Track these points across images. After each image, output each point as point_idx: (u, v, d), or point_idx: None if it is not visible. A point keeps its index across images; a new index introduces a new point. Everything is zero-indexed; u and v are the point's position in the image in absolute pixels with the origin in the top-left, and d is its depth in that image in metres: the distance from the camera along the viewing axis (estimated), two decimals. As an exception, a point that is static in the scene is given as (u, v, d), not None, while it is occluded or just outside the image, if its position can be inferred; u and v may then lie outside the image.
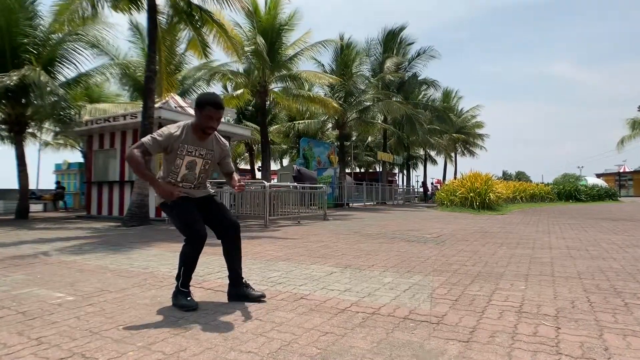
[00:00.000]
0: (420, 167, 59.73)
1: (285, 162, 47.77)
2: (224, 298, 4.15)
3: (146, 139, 3.78)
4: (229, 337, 3.07)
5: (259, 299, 4.05)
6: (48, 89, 14.67)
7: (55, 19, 15.74)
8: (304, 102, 24.29)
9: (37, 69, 15.08)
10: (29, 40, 16.91)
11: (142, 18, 19.40)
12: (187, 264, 3.88)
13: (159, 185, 3.71)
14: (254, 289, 4.16)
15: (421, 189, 49.32)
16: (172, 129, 3.86)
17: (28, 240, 9.18)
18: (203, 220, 3.97)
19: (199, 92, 25.09)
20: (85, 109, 18.97)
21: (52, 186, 27.05)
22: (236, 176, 4.19)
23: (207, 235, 3.88)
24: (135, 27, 23.21)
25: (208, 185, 4.23)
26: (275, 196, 14.48)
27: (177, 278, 3.91)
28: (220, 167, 4.25)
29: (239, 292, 4.09)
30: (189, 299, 3.85)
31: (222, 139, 4.22)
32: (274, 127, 34.41)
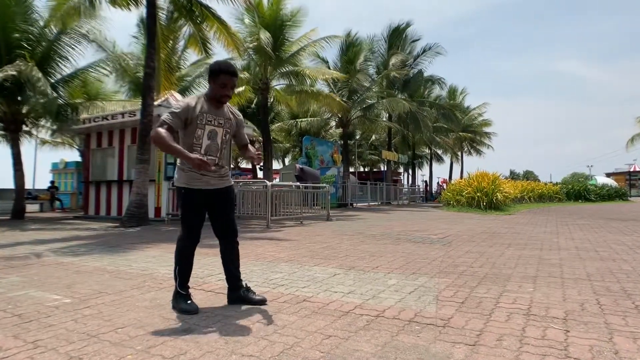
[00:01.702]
0: (426, 166, 59.75)
1: (288, 161, 47.82)
2: (224, 300, 4.15)
3: (165, 115, 3.80)
4: (229, 340, 3.07)
5: (259, 303, 4.05)
6: (40, 84, 14.66)
7: (51, 15, 15.75)
8: (307, 98, 24.28)
9: (30, 64, 15.09)
10: (23, 36, 16.92)
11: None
12: (182, 262, 3.92)
13: (189, 157, 3.60)
14: (254, 293, 4.15)
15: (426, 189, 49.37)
16: (187, 100, 3.90)
17: (24, 241, 9.20)
18: (208, 213, 4.08)
19: (198, 90, 25.11)
20: (84, 107, 18.95)
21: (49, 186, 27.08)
22: (252, 147, 4.23)
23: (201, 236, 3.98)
24: (142, 22, 23.17)
25: (228, 171, 4.20)
26: (278, 196, 14.47)
27: (175, 279, 3.92)
28: (236, 140, 4.26)
29: (239, 296, 4.09)
30: (189, 302, 3.85)
31: (235, 109, 4.25)
32: (276, 125, 34.44)
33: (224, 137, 4.01)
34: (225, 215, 4.17)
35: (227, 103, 4.09)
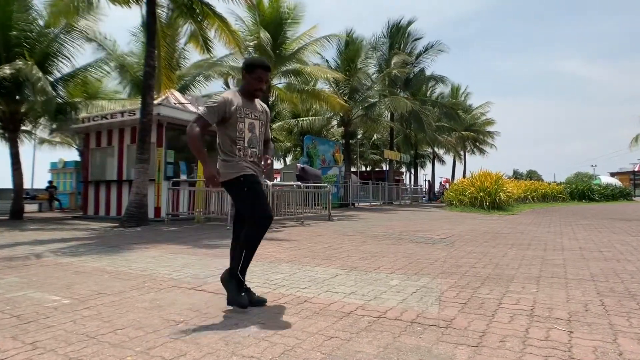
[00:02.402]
0: (428, 165, 59.76)
1: (289, 160, 47.80)
2: (225, 301, 4.15)
3: (202, 109, 3.90)
4: (230, 341, 3.07)
5: (258, 303, 4.04)
6: (40, 83, 14.68)
7: (50, 12, 15.75)
8: (308, 98, 24.29)
9: (30, 62, 15.10)
10: (22, 35, 16.95)
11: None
12: (251, 247, 3.94)
13: (207, 168, 3.82)
14: (254, 293, 4.15)
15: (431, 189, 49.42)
16: (224, 95, 3.97)
17: (23, 242, 9.21)
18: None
19: (199, 88, 25.13)
20: (83, 105, 18.97)
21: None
22: (271, 147, 4.39)
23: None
24: (143, 20, 23.11)
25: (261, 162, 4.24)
26: (279, 196, 14.46)
27: (237, 261, 3.94)
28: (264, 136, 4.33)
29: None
30: (242, 294, 3.88)
31: (263, 103, 4.33)
32: (277, 124, 34.41)
33: (260, 130, 4.12)
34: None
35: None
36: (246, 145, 3.98)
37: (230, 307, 3.94)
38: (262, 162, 4.23)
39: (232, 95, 3.98)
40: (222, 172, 3.98)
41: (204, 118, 3.84)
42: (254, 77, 3.99)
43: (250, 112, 4.02)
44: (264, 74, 4.01)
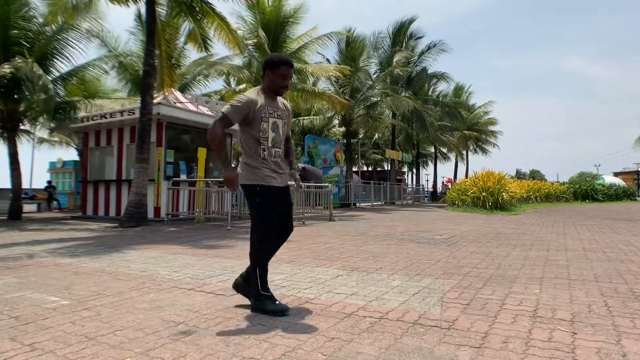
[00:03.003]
0: (430, 165, 59.76)
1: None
2: (225, 302, 4.16)
3: (226, 108, 3.87)
4: (230, 342, 3.08)
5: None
6: (41, 81, 14.69)
7: (48, 10, 15.75)
8: (309, 97, 24.28)
9: (30, 60, 15.11)
10: (21, 33, 16.97)
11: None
12: (263, 263, 3.92)
13: (227, 170, 3.83)
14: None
15: (432, 189, 49.46)
16: (248, 94, 3.95)
17: (21, 242, 9.22)
18: None
19: (199, 87, 25.15)
20: (82, 104, 18.96)
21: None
22: (292, 145, 4.35)
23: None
24: (139, 17, 23.14)
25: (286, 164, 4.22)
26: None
27: (255, 282, 3.89)
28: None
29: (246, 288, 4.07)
30: (277, 302, 3.86)
31: (285, 101, 4.29)
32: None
33: (283, 128, 4.09)
34: (287, 212, 4.14)
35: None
36: (270, 145, 3.95)
37: (231, 308, 3.95)
38: (288, 147, 4.26)
39: (256, 94, 3.96)
40: (242, 174, 3.96)
41: (228, 118, 3.81)
42: (278, 75, 3.95)
43: (274, 110, 3.99)
44: (288, 70, 3.97)
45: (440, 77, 38.94)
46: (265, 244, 3.90)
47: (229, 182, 3.80)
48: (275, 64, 3.95)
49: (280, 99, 4.15)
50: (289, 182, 4.19)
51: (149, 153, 13.77)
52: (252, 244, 3.93)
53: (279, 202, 3.97)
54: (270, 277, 5.36)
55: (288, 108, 4.24)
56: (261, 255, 3.90)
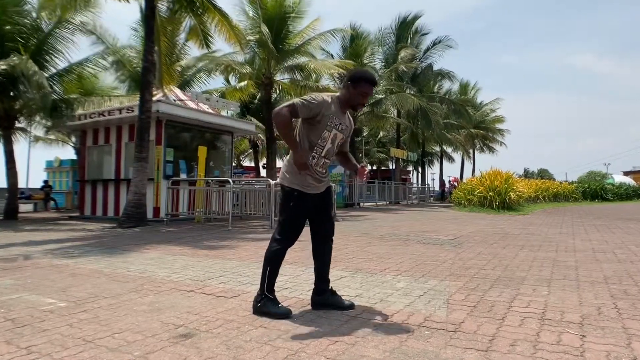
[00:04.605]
0: (436, 164, 59.73)
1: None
2: (226, 304, 4.16)
3: (297, 100, 3.80)
4: (231, 346, 3.08)
5: (347, 308, 4.01)
6: (36, 77, 14.69)
7: (45, 5, 15.75)
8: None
9: (25, 56, 15.11)
10: (16, 29, 16.92)
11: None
12: (275, 265, 3.94)
13: (299, 153, 3.78)
14: (341, 297, 4.14)
15: (439, 189, 49.36)
16: (324, 96, 3.90)
17: (17, 243, 9.23)
18: (309, 214, 4.09)
19: (199, 84, 25.14)
20: (79, 102, 18.96)
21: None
22: (351, 159, 4.30)
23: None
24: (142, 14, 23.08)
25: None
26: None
27: (262, 283, 3.92)
28: (343, 147, 4.25)
29: (325, 301, 4.08)
30: (279, 305, 3.87)
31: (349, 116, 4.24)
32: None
33: (339, 142, 4.04)
34: (327, 215, 4.21)
35: None
36: (322, 155, 3.93)
37: (232, 310, 3.96)
38: (347, 163, 4.28)
39: (331, 100, 3.90)
40: (284, 174, 3.97)
41: (296, 109, 3.73)
42: (358, 91, 3.87)
43: (339, 123, 3.93)
44: (369, 89, 3.88)
45: (446, 75, 38.92)
46: (282, 248, 3.93)
47: (302, 166, 3.78)
48: (356, 80, 3.88)
49: (347, 114, 4.12)
50: (329, 185, 4.18)
51: (148, 152, 13.77)
52: (270, 244, 3.96)
53: (312, 209, 4.02)
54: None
55: (352, 124, 4.18)
56: (275, 257, 3.93)
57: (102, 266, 6.34)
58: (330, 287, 4.14)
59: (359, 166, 4.19)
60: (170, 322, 3.64)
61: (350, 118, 4.18)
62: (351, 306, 4.03)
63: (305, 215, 4.00)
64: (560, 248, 8.25)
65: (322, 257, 4.18)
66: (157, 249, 8.14)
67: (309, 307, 4.10)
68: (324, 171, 4.03)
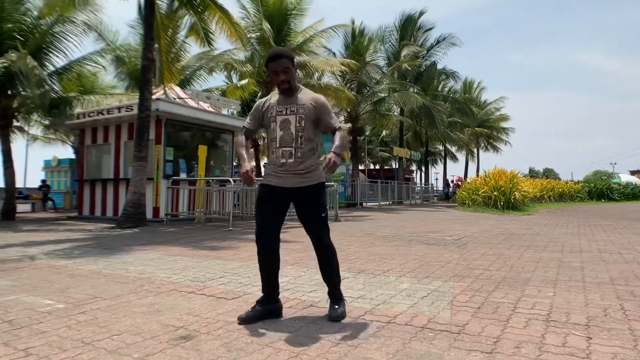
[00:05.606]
0: (440, 163, 59.69)
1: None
2: (226, 305, 4.16)
3: (245, 120, 4.11)
4: (232, 347, 3.07)
5: (332, 319, 3.78)
6: (36, 72, 14.69)
7: (45, 3, 15.75)
8: (314, 92, 24.21)
9: (24, 53, 15.12)
10: (15, 26, 16.96)
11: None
12: (259, 267, 3.91)
13: (242, 168, 3.84)
14: (337, 305, 3.94)
15: (444, 189, 49.31)
16: (262, 99, 4.10)
17: (15, 243, 9.23)
18: (297, 216, 3.96)
19: (199, 83, 25.16)
20: (78, 100, 18.96)
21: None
22: (337, 140, 3.96)
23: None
24: (141, 11, 23.05)
25: (313, 166, 3.96)
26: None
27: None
28: (320, 127, 4.09)
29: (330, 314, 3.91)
30: (250, 309, 3.81)
31: (314, 94, 4.15)
32: (281, 120, 34.41)
33: (298, 125, 3.89)
34: (306, 219, 3.99)
35: (308, 90, 4.12)
36: (278, 145, 3.87)
37: (232, 311, 3.95)
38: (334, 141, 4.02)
39: (270, 95, 4.00)
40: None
41: (245, 127, 4.01)
42: (270, 73, 3.94)
43: (285, 108, 3.89)
44: (275, 65, 3.85)
45: (449, 74, 38.91)
46: (256, 239, 3.90)
47: (245, 178, 3.82)
48: (266, 65, 3.96)
49: (306, 95, 4.02)
50: (310, 182, 3.93)
51: (147, 151, 13.77)
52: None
53: (268, 203, 3.87)
54: (273, 279, 5.36)
55: (315, 102, 3.98)
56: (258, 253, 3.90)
57: (101, 267, 6.34)
58: (329, 294, 4.05)
59: (328, 161, 3.79)
60: (170, 323, 3.63)
61: (313, 97, 4.04)
62: (336, 318, 3.79)
63: (261, 207, 3.89)
64: (566, 249, 8.25)
65: (318, 260, 4.12)
66: (157, 250, 8.14)
67: (311, 308, 4.10)
68: (292, 161, 3.83)
